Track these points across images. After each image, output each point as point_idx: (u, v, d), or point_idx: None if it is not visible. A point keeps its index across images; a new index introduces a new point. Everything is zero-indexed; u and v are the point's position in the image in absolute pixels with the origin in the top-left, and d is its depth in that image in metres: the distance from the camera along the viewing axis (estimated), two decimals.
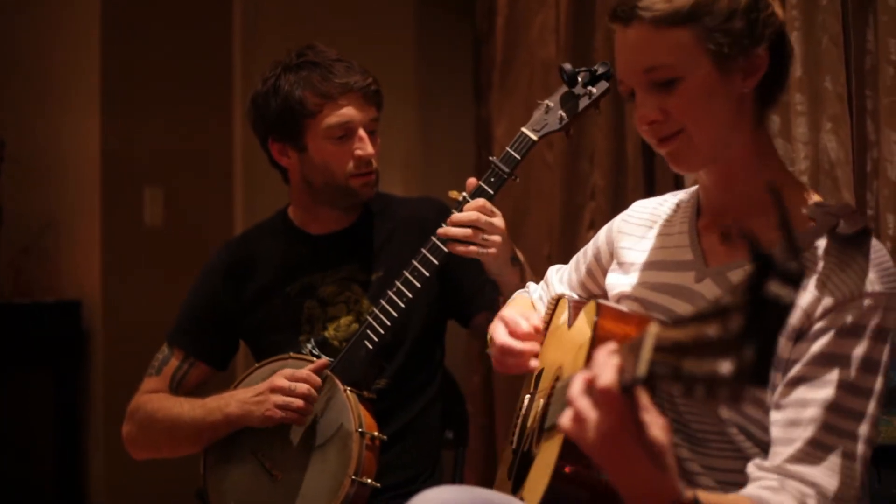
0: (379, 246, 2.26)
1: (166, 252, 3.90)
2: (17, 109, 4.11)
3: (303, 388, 2.01)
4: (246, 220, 3.96)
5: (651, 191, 2.75)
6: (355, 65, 2.20)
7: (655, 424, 1.13)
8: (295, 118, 2.16)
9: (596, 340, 1.45)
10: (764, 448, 1.41)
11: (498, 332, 1.71)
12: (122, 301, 3.82)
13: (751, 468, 1.35)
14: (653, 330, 1.06)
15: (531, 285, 2.00)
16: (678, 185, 2.52)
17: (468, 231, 2.03)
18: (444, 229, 2.05)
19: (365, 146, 2.18)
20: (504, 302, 2.02)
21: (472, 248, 2.03)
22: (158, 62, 3.93)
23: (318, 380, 2.03)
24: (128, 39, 3.88)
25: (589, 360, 1.44)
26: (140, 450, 2.25)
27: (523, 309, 1.78)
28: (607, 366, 1.12)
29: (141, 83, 3.88)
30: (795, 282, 0.91)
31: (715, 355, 0.94)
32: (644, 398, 1.12)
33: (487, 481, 1.84)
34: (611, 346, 1.16)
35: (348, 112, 2.16)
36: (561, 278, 1.91)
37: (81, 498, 3.83)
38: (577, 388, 1.15)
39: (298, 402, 2.00)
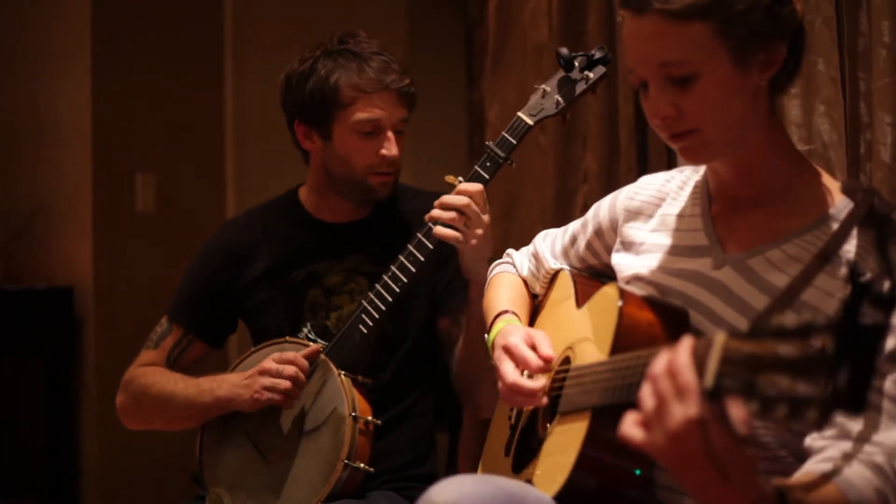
0: (388, 239, 2.23)
1: (158, 238, 3.89)
2: (7, 95, 4.10)
3: (290, 370, 2.01)
4: (238, 206, 3.95)
5: (644, 174, 2.75)
6: (394, 61, 2.16)
7: (726, 437, 1.05)
8: (326, 105, 2.14)
9: (621, 328, 1.42)
10: (799, 457, 1.36)
11: (506, 369, 1.61)
12: (115, 287, 3.81)
13: (808, 441, 1.31)
14: (720, 339, 1.00)
15: (513, 254, 1.95)
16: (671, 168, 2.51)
17: (453, 215, 2.01)
18: (433, 211, 2.03)
19: (391, 147, 2.15)
20: (480, 292, 1.98)
21: (453, 232, 2.01)
22: (150, 49, 3.92)
23: (305, 363, 2.03)
24: (119, 25, 3.86)
25: (614, 347, 1.41)
26: (132, 420, 2.27)
27: (525, 331, 1.67)
28: (689, 367, 1.05)
29: (133, 69, 3.87)
30: (889, 306, 0.90)
31: (798, 375, 0.90)
32: (717, 408, 1.04)
33: None
34: (687, 342, 1.07)
35: (380, 110, 2.13)
36: (553, 250, 1.85)
37: (75, 484, 3.83)
38: (660, 367, 1.07)
39: (286, 384, 2.00)
